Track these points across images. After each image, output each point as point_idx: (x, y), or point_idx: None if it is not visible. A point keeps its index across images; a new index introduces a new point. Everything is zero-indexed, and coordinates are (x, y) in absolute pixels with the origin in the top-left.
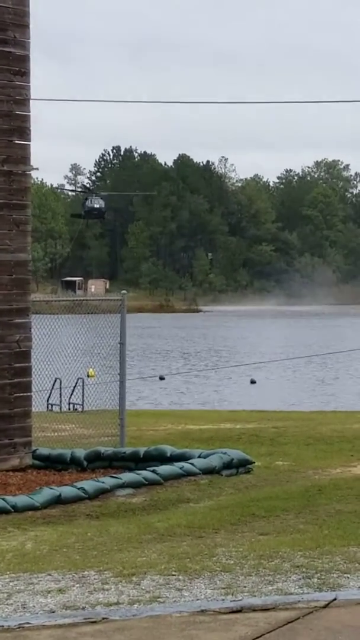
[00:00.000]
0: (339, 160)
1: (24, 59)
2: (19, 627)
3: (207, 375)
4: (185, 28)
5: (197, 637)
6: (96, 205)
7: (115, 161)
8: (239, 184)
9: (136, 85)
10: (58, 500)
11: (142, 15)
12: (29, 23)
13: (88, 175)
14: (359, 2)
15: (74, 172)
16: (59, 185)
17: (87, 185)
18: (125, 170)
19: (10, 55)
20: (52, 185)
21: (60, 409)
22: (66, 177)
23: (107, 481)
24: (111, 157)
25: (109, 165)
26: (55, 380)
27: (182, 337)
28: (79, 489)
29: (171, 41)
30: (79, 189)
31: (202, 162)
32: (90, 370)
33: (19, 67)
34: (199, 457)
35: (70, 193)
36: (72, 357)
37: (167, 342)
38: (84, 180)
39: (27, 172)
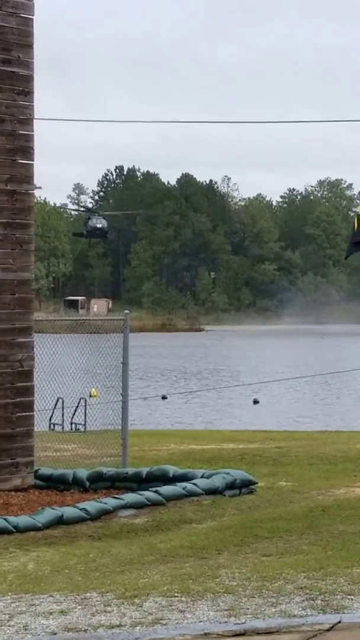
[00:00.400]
0: (342, 180)
1: (28, 79)
2: None
3: (210, 395)
4: (186, 48)
5: None
6: (98, 225)
7: (118, 180)
8: (242, 203)
9: (138, 105)
10: (60, 521)
11: (143, 35)
12: (32, 43)
13: (91, 194)
14: (359, 22)
15: (77, 191)
16: (62, 204)
17: (90, 206)
18: (128, 190)
19: (14, 75)
20: (55, 204)
21: (63, 428)
22: (69, 196)
23: (110, 502)
24: (114, 176)
25: (112, 185)
26: (57, 400)
27: (185, 357)
28: (81, 509)
29: (172, 61)
30: (82, 209)
31: (205, 181)
32: (93, 390)
33: (23, 86)
34: (202, 477)
35: (73, 212)
36: (74, 376)
37: (170, 362)
38: (87, 199)
39: (31, 192)
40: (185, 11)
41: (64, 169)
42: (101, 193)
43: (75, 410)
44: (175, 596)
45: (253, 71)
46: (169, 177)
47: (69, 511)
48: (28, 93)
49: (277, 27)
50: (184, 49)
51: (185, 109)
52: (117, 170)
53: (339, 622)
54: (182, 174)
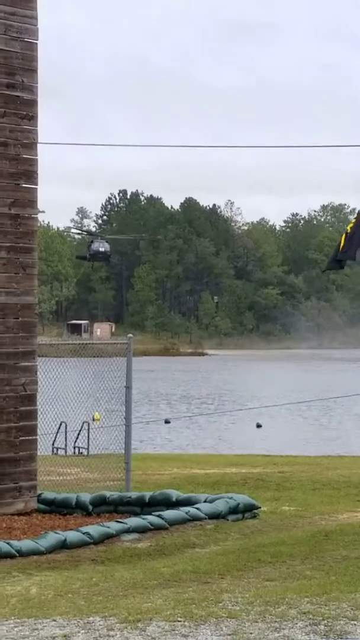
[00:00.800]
0: (345, 204)
1: (32, 103)
2: None
3: (213, 419)
4: (186, 71)
5: None
6: (101, 249)
7: (121, 204)
8: (245, 228)
9: (140, 128)
10: (63, 545)
11: (142, 58)
12: (37, 67)
13: (94, 218)
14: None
15: (80, 215)
16: (65, 228)
17: (93, 230)
18: (131, 214)
19: (18, 100)
20: (58, 228)
21: (66, 452)
22: (72, 220)
23: (113, 526)
24: (117, 200)
25: (115, 209)
26: (60, 424)
27: (188, 381)
28: (84, 533)
29: (172, 84)
30: (84, 232)
31: (209, 206)
32: (96, 413)
33: (27, 111)
34: (205, 501)
35: (76, 236)
36: (77, 400)
37: (173, 386)
38: (90, 223)
39: (34, 216)
40: (184, 34)
41: (67, 193)
42: (104, 217)
43: (79, 434)
44: (179, 621)
45: (254, 94)
46: (172, 201)
47: (72, 535)
48: (32, 117)
49: (277, 51)
50: (184, 72)
51: (187, 132)
52: (121, 195)
53: None
54: (186, 198)
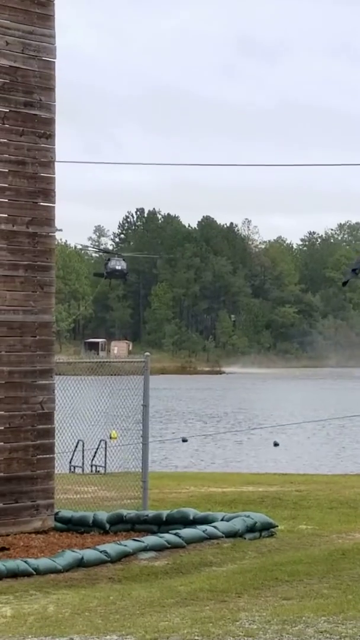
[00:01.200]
0: None
1: (50, 122)
2: None
3: (230, 438)
4: (198, 89)
5: None
6: (117, 267)
7: (138, 223)
8: (263, 246)
9: (155, 147)
10: (80, 563)
11: (155, 76)
12: (54, 86)
13: (112, 237)
14: None
15: (97, 233)
16: (82, 246)
17: (110, 248)
18: (149, 232)
19: (36, 118)
20: (75, 246)
21: (83, 470)
22: (90, 238)
23: (130, 544)
24: (135, 219)
25: (133, 227)
26: (77, 442)
27: (205, 399)
28: (101, 552)
29: (185, 102)
30: (101, 250)
31: (226, 224)
32: (113, 432)
33: (45, 129)
34: (222, 520)
35: (93, 254)
36: (94, 418)
37: (190, 404)
38: (107, 241)
39: (52, 234)
40: (196, 53)
41: (84, 212)
42: (122, 235)
43: (96, 453)
44: (196, 639)
45: (268, 112)
46: (190, 219)
47: (89, 554)
48: (49, 136)
49: (289, 68)
50: (197, 90)
51: (202, 150)
52: (138, 213)
53: None
54: (203, 216)
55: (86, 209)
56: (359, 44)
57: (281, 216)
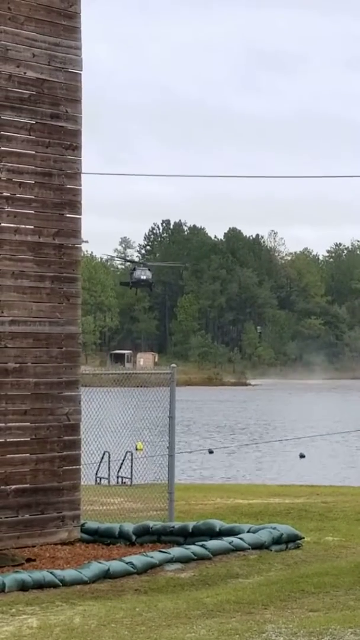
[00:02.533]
0: None
1: (76, 134)
2: None
3: (256, 449)
4: (216, 99)
5: None
6: (143, 277)
7: (164, 234)
8: (289, 258)
9: (176, 158)
10: (106, 575)
11: (171, 87)
12: (81, 98)
13: (138, 248)
14: None
15: (123, 245)
16: (108, 257)
17: (136, 259)
18: (174, 244)
19: (62, 130)
20: (102, 258)
21: (109, 482)
22: (116, 250)
23: (156, 556)
24: (161, 230)
25: (159, 239)
26: (104, 453)
27: (231, 411)
28: (127, 563)
29: (204, 114)
30: (127, 260)
31: (252, 236)
32: (139, 443)
33: (71, 141)
34: (248, 532)
35: (119, 266)
36: (120, 430)
37: (216, 416)
38: (133, 253)
39: (78, 245)
40: (211, 64)
41: (110, 224)
42: (148, 247)
43: (122, 464)
44: None
45: (284, 123)
46: (216, 231)
47: (116, 565)
48: (76, 147)
49: (306, 80)
50: (211, 101)
51: (221, 162)
52: (164, 224)
53: None
54: (229, 228)
55: (111, 220)
56: None
57: (307, 228)
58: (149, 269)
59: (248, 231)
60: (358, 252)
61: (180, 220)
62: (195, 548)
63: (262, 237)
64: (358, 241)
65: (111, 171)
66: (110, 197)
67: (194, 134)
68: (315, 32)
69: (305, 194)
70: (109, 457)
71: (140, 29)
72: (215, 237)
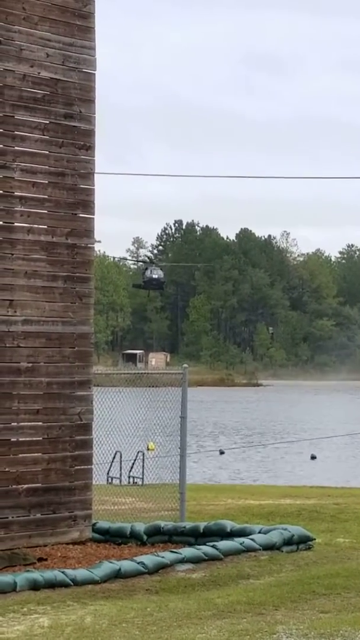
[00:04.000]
0: None
1: (89, 134)
2: None
3: (267, 450)
4: (217, 102)
5: None
6: (155, 276)
7: (177, 235)
8: (301, 259)
9: (179, 160)
10: (118, 575)
11: (171, 89)
12: (94, 98)
13: (150, 248)
14: None
15: (136, 245)
16: (120, 257)
17: (149, 257)
18: (187, 244)
19: (76, 130)
20: (114, 258)
21: (120, 482)
22: (128, 250)
23: (167, 556)
24: (173, 230)
25: (171, 239)
26: (115, 453)
27: (242, 412)
28: (138, 563)
29: (204, 115)
30: (140, 260)
31: (264, 237)
32: (151, 443)
33: (84, 141)
34: (259, 532)
35: (132, 266)
36: (132, 430)
37: (227, 416)
38: (146, 253)
39: (91, 245)
40: (209, 65)
41: (122, 224)
42: (160, 247)
43: (133, 464)
44: None
45: (286, 124)
46: (228, 232)
47: (127, 565)
48: (89, 148)
49: (302, 82)
50: (216, 103)
51: (227, 163)
52: (176, 225)
53: None
54: (241, 229)
55: (124, 221)
56: None
57: (319, 229)
58: (161, 269)
59: (260, 232)
60: None
61: (192, 221)
62: (207, 548)
63: (274, 238)
64: None
65: (114, 171)
66: (117, 198)
67: (196, 135)
68: (310, 34)
69: (318, 195)
70: (121, 457)
71: (136, 31)
72: (227, 237)
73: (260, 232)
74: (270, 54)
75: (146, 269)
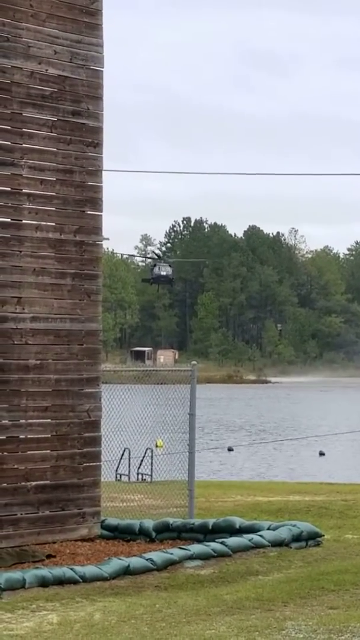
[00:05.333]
0: None
1: (97, 131)
2: None
3: (276, 447)
4: (214, 100)
5: None
6: (163, 272)
7: (185, 232)
8: (309, 256)
9: (179, 157)
10: (126, 571)
11: (166, 87)
12: (102, 95)
13: (158, 245)
14: None
15: (144, 242)
16: (129, 255)
17: (157, 253)
18: (195, 241)
19: (84, 127)
20: (122, 255)
21: (129, 479)
22: (137, 247)
23: (176, 552)
24: (181, 227)
25: (179, 236)
26: (124, 450)
27: (251, 409)
28: (147, 560)
29: (202, 113)
30: (148, 256)
31: (272, 234)
32: (159, 440)
33: (92, 138)
34: (268, 529)
35: (140, 263)
36: (140, 427)
37: (236, 413)
38: (154, 249)
39: (99, 243)
40: (205, 63)
41: (131, 222)
42: (168, 244)
43: (142, 461)
44: None
45: (284, 122)
46: (236, 229)
47: (136, 561)
48: (97, 145)
49: (300, 80)
50: (206, 100)
51: (228, 161)
52: (185, 222)
53: None
54: (249, 226)
55: (132, 219)
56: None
57: (328, 226)
58: (169, 265)
59: (268, 229)
60: None
61: (201, 218)
62: (215, 545)
63: (283, 234)
64: None
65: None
66: (124, 195)
67: (195, 133)
68: (306, 33)
69: (326, 192)
70: (130, 454)
71: (131, 29)
72: (235, 235)
73: (269, 229)
74: (265, 52)
75: (154, 265)
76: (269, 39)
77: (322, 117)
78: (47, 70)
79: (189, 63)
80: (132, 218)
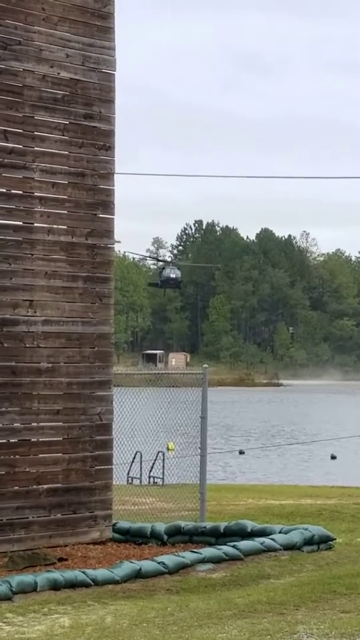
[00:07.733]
0: None
1: (109, 134)
2: None
3: (287, 450)
4: (207, 102)
5: None
6: (172, 275)
7: (197, 235)
8: (321, 259)
9: (182, 161)
10: (138, 575)
11: (159, 90)
12: (114, 98)
13: (170, 248)
14: None
15: (156, 245)
16: (140, 257)
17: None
18: (207, 244)
19: (96, 130)
20: (134, 258)
21: (141, 482)
22: (148, 250)
23: (188, 556)
24: (193, 230)
25: (191, 239)
26: (135, 454)
27: (262, 412)
28: (159, 563)
29: (197, 116)
30: (159, 260)
31: (284, 237)
32: (170, 443)
33: (104, 141)
34: (280, 532)
35: (151, 266)
36: (152, 430)
37: (247, 417)
38: (166, 253)
39: (111, 246)
40: (194, 65)
41: (144, 225)
42: (180, 247)
43: (154, 464)
44: None
45: (277, 124)
46: (248, 232)
47: (147, 565)
48: (109, 148)
49: (289, 82)
50: (197, 102)
51: (228, 164)
52: (197, 225)
53: None
54: (261, 229)
55: (145, 221)
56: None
57: (339, 228)
58: (178, 268)
59: (280, 232)
60: None
61: (213, 221)
62: (227, 548)
63: (294, 238)
64: None
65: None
66: (135, 198)
67: (188, 135)
68: (295, 35)
69: (338, 195)
70: (141, 457)
71: (120, 31)
72: (247, 238)
73: (280, 232)
74: (253, 54)
75: (163, 268)
76: (258, 41)
77: (313, 119)
78: (59, 73)
79: (178, 65)
80: (143, 221)
